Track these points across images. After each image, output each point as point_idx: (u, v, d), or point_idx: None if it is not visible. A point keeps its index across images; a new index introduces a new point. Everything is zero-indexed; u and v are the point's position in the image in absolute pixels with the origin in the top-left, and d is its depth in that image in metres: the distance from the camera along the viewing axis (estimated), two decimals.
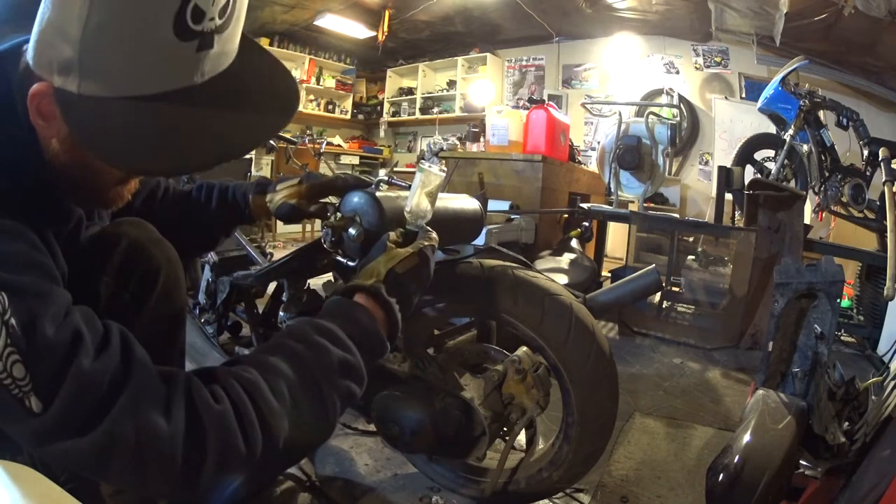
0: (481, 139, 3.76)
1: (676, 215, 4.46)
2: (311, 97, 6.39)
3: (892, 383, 1.07)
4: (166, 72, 0.53)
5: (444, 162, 2.99)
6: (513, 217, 2.67)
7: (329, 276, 1.40)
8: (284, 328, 0.76)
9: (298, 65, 6.12)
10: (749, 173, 3.08)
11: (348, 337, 0.65)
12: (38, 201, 0.62)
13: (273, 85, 0.64)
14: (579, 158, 3.78)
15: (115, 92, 0.52)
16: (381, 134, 7.00)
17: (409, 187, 0.97)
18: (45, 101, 0.54)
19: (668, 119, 3.24)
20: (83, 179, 0.62)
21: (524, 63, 5.90)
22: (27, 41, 0.56)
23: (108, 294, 0.74)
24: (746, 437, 0.92)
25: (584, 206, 2.98)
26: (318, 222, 0.98)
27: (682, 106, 4.78)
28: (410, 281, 0.74)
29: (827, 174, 2.95)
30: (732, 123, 4.72)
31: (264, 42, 5.63)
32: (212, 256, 1.53)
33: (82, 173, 0.61)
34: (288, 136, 2.16)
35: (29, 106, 0.55)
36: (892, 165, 2.29)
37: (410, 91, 6.67)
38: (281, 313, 1.23)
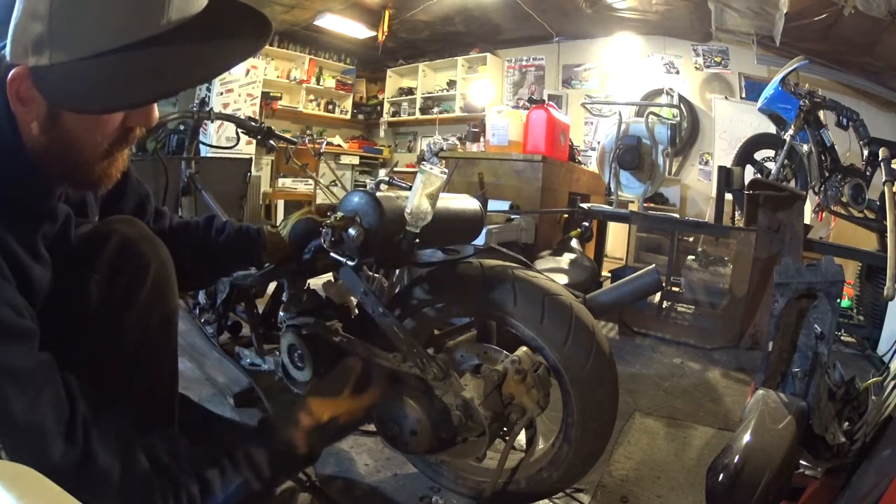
0: (481, 139, 3.76)
1: (676, 215, 4.46)
2: (311, 97, 6.39)
3: (892, 383, 1.07)
4: (131, 24, 0.57)
5: (444, 162, 2.99)
6: (513, 217, 2.67)
7: (329, 276, 1.40)
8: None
9: (298, 65, 6.12)
10: (749, 173, 3.08)
11: (269, 465, 0.77)
12: (22, 203, 0.63)
13: (246, 21, 0.68)
14: (579, 158, 3.78)
15: (84, 52, 0.56)
16: (381, 134, 7.00)
17: (409, 188, 0.97)
18: (23, 85, 0.58)
19: (668, 119, 3.23)
20: (67, 157, 0.64)
21: (524, 63, 5.90)
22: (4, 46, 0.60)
23: (98, 291, 0.74)
24: (746, 437, 0.92)
25: (584, 206, 2.98)
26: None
27: (682, 106, 4.78)
28: (345, 431, 0.86)
29: (827, 174, 2.95)
30: (732, 123, 4.72)
31: None
32: None
33: (65, 151, 0.63)
34: (288, 136, 2.16)
35: (9, 94, 0.59)
36: (892, 165, 2.29)
37: (410, 91, 6.67)
38: (281, 313, 1.23)
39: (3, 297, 0.58)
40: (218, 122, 2.55)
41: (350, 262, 0.96)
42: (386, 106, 6.86)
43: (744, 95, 4.70)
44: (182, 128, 2.01)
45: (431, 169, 0.93)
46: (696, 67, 4.92)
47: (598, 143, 3.89)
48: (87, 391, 0.64)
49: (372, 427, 1.14)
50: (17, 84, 0.58)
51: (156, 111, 0.68)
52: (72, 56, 0.56)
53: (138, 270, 0.79)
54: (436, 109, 6.43)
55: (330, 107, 6.61)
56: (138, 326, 0.78)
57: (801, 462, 0.95)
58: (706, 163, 4.92)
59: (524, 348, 1.04)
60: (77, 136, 0.63)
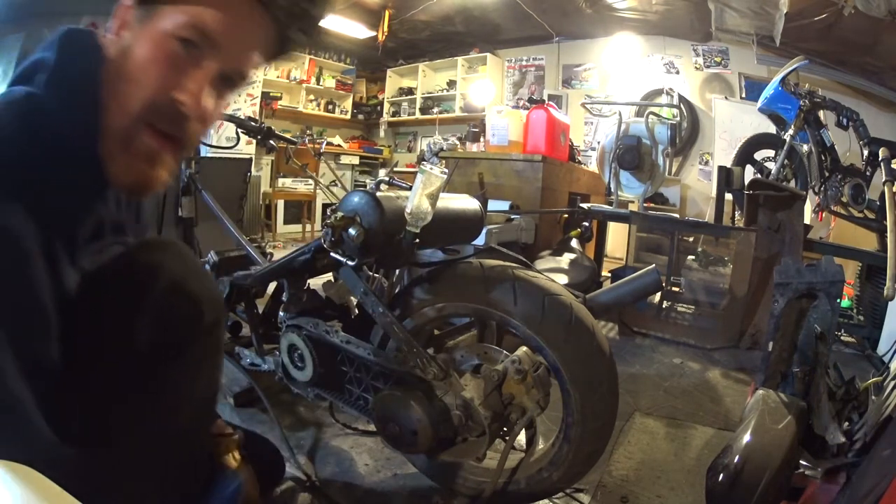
0: (481, 139, 3.76)
1: (676, 215, 4.45)
2: (311, 97, 6.39)
3: (892, 383, 1.07)
4: None
5: (444, 162, 2.99)
6: (513, 217, 2.67)
7: (329, 276, 1.41)
8: None
9: (298, 65, 6.11)
10: (749, 173, 3.08)
11: None
12: (69, 195, 0.61)
13: None
14: (579, 158, 3.77)
15: None
16: (381, 134, 7.00)
17: (409, 188, 0.97)
18: (124, 13, 0.61)
19: (668, 119, 3.23)
20: (112, 104, 0.60)
21: (524, 63, 5.89)
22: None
23: (143, 338, 0.65)
24: (746, 437, 0.92)
25: (584, 206, 2.98)
26: (318, 222, 0.97)
27: (682, 106, 4.78)
28: None
29: (827, 174, 2.94)
30: (732, 123, 4.72)
31: None
32: (212, 256, 1.53)
33: (114, 90, 0.60)
34: (288, 136, 2.16)
35: (112, 27, 0.61)
36: (892, 165, 2.29)
37: (410, 91, 6.67)
38: (281, 313, 1.23)
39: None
40: (218, 122, 2.55)
41: (350, 262, 0.97)
42: (386, 106, 6.86)
43: (744, 95, 4.70)
44: None
45: (431, 169, 0.93)
46: (696, 67, 4.92)
47: (598, 143, 3.89)
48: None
49: (372, 427, 1.14)
50: (122, 12, 0.61)
51: (195, 101, 0.60)
52: None
53: (190, 320, 0.70)
54: (436, 109, 6.42)
55: (330, 107, 6.61)
56: (186, 375, 0.71)
57: (801, 462, 0.95)
58: (706, 163, 4.91)
59: (524, 348, 1.04)
60: (134, 64, 0.59)
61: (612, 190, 3.30)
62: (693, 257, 3.16)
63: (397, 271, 1.59)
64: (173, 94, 0.59)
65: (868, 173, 2.89)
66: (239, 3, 0.61)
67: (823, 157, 2.94)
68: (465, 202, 1.16)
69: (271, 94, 5.73)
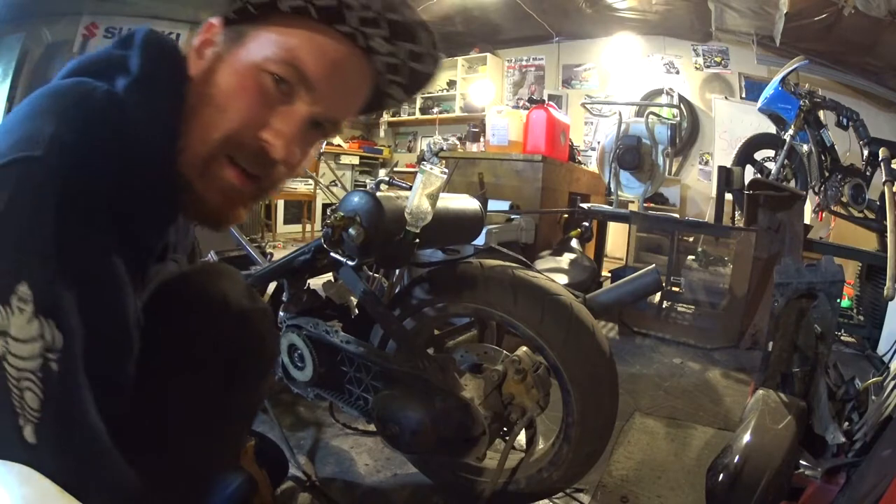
0: (481, 139, 3.75)
1: (676, 215, 4.45)
2: None
3: (892, 383, 1.07)
4: None
5: (444, 162, 2.99)
6: (513, 217, 2.67)
7: (329, 276, 1.41)
8: None
9: None
10: (749, 173, 3.08)
11: None
12: (146, 217, 0.55)
13: None
14: (579, 158, 3.77)
15: None
16: (381, 134, 7.00)
17: (409, 188, 0.97)
18: (211, 33, 0.57)
19: (668, 119, 3.23)
20: (194, 130, 0.55)
21: (524, 63, 5.89)
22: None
23: (210, 372, 0.65)
24: (746, 437, 0.92)
25: (584, 206, 2.98)
26: (318, 222, 0.96)
27: (682, 106, 4.78)
28: None
29: (827, 174, 2.94)
30: (732, 123, 4.72)
31: None
32: (212, 256, 1.53)
33: (202, 122, 0.55)
34: None
35: (194, 46, 0.57)
36: (892, 165, 2.29)
37: None
38: (281, 313, 1.23)
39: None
40: None
41: (350, 262, 0.96)
42: None
43: (744, 95, 4.70)
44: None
45: (431, 169, 0.93)
46: (696, 67, 4.92)
47: (598, 143, 3.89)
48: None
49: (372, 427, 1.14)
50: (206, 31, 0.57)
51: (284, 142, 0.55)
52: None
53: (256, 358, 0.71)
54: (436, 109, 6.42)
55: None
56: (239, 401, 0.72)
57: (801, 462, 0.95)
58: (706, 163, 4.91)
59: (524, 348, 1.04)
60: (219, 92, 0.55)
61: (612, 190, 3.30)
62: (693, 257, 3.16)
63: (397, 271, 1.59)
64: (260, 132, 0.54)
65: (868, 173, 2.90)
66: (340, 46, 0.56)
67: (823, 157, 2.94)
68: (465, 202, 1.16)
69: None
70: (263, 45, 0.54)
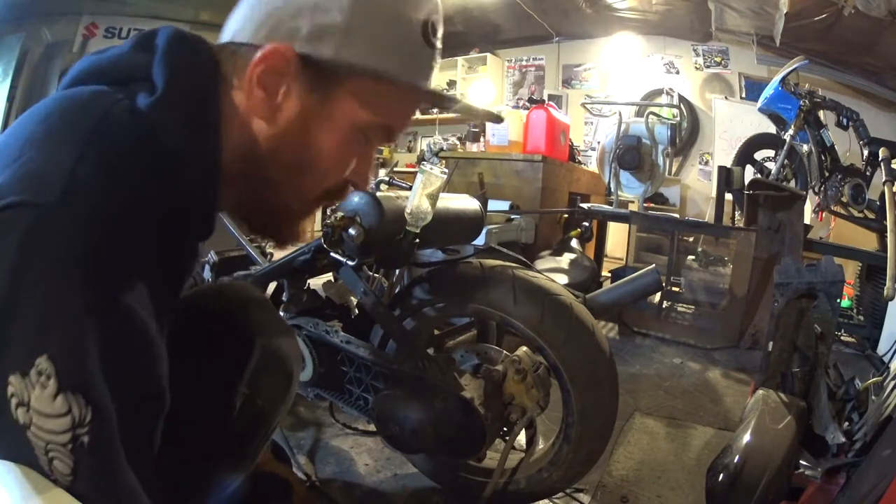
0: (481, 139, 3.76)
1: (676, 215, 4.45)
2: None
3: (892, 383, 1.07)
4: (414, 66, 0.53)
5: (444, 162, 2.99)
6: (513, 217, 2.67)
7: (329, 276, 1.41)
8: None
9: None
10: (749, 173, 3.08)
11: None
12: (179, 240, 0.50)
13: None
14: (579, 158, 3.77)
15: (373, 63, 0.50)
16: None
17: (409, 188, 0.97)
18: (282, 65, 0.48)
19: (668, 119, 3.23)
20: (284, 180, 0.53)
21: (524, 63, 5.89)
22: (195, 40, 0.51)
23: (242, 403, 0.66)
24: (746, 437, 0.92)
25: (584, 206, 2.98)
26: (318, 222, 0.96)
27: (682, 106, 4.77)
28: None
29: (827, 174, 2.94)
30: (732, 123, 4.71)
31: None
32: (212, 256, 1.53)
33: (289, 170, 0.53)
34: None
35: (250, 75, 0.49)
36: (892, 165, 2.29)
37: None
38: (281, 313, 1.23)
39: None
40: None
41: (350, 262, 0.97)
42: None
43: (744, 95, 4.70)
44: None
45: (431, 169, 0.93)
46: (696, 67, 4.91)
47: (598, 143, 3.89)
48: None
49: (372, 427, 1.14)
50: (275, 61, 0.48)
51: (370, 177, 0.59)
52: (361, 60, 0.49)
53: (284, 387, 0.73)
54: (436, 109, 6.42)
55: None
56: (266, 431, 0.73)
57: (801, 462, 0.95)
58: (706, 163, 4.91)
59: (524, 348, 1.04)
60: (320, 154, 0.52)
61: (612, 190, 3.30)
62: (693, 257, 3.16)
63: (397, 271, 1.58)
64: (345, 175, 0.56)
65: (868, 173, 2.90)
66: (416, 102, 0.58)
67: (823, 157, 2.94)
68: (465, 202, 1.16)
69: None
70: (362, 111, 0.52)
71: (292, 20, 0.48)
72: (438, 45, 0.54)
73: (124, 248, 0.40)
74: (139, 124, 0.44)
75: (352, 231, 0.92)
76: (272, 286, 1.48)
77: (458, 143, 4.02)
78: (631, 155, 3.12)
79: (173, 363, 0.48)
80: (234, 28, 0.51)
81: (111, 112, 0.43)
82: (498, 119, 0.68)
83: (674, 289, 2.90)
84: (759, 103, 3.07)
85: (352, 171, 0.56)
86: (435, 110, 6.33)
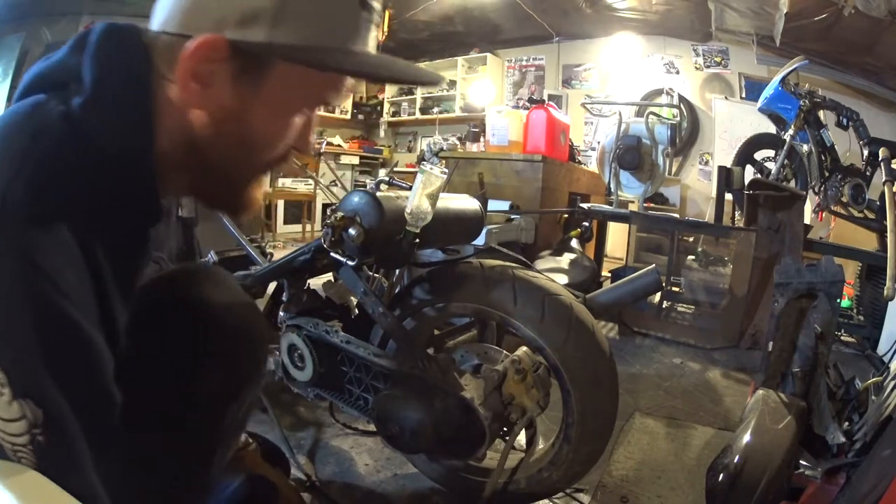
0: (481, 139, 3.76)
1: (676, 215, 4.45)
2: None
3: (892, 383, 1.07)
4: (349, 33, 0.53)
5: (444, 162, 2.99)
6: (513, 217, 2.67)
7: (329, 276, 1.41)
8: None
9: None
10: (749, 173, 3.08)
11: None
12: (128, 224, 0.53)
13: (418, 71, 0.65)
14: (579, 158, 3.78)
15: (307, 40, 0.50)
16: (381, 134, 7.00)
17: (409, 188, 0.97)
18: (216, 54, 0.48)
19: (668, 119, 3.23)
20: (230, 162, 0.56)
21: (524, 63, 5.90)
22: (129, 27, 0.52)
23: (203, 383, 0.64)
24: (746, 437, 0.92)
25: (584, 206, 2.98)
26: (318, 222, 0.94)
27: (682, 106, 4.78)
28: None
29: (827, 174, 2.94)
30: (732, 123, 4.72)
31: None
32: (212, 256, 1.53)
33: (232, 152, 0.55)
34: None
35: (182, 68, 0.49)
36: (892, 165, 2.29)
37: (410, 91, 6.66)
38: (281, 313, 1.23)
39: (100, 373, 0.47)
40: None
41: (350, 262, 0.97)
42: (386, 106, 6.86)
43: (744, 95, 4.70)
44: None
45: (431, 169, 0.93)
46: (696, 67, 4.92)
47: (598, 143, 3.89)
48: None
49: (372, 427, 1.14)
50: (207, 52, 0.48)
51: (312, 139, 0.61)
52: (294, 40, 0.49)
53: (253, 368, 0.71)
54: (436, 109, 6.42)
55: (330, 107, 6.61)
56: (233, 416, 0.71)
57: (801, 462, 0.95)
58: (706, 163, 4.92)
59: (524, 348, 1.04)
60: (260, 136, 0.55)
61: (612, 190, 3.30)
62: (693, 257, 3.16)
63: (397, 271, 1.58)
64: (288, 144, 0.59)
65: (868, 173, 2.90)
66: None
67: (823, 157, 2.94)
68: (465, 202, 1.16)
69: None
70: (296, 88, 0.54)
71: (221, 7, 0.48)
72: (375, 4, 0.54)
73: (59, 262, 0.43)
74: (72, 130, 0.47)
75: (352, 231, 0.92)
76: (272, 286, 1.49)
77: (458, 143, 4.02)
78: (631, 155, 3.12)
79: (131, 348, 0.53)
80: (163, 17, 0.51)
81: (45, 123, 0.46)
82: (434, 81, 0.68)
83: (674, 289, 2.90)
84: (759, 103, 3.07)
85: (297, 140, 0.59)
86: (435, 110, 6.36)
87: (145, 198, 0.53)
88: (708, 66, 4.86)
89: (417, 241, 0.95)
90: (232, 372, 0.69)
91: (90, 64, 0.49)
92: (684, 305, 2.91)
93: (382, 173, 5.36)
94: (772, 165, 3.08)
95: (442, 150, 3.12)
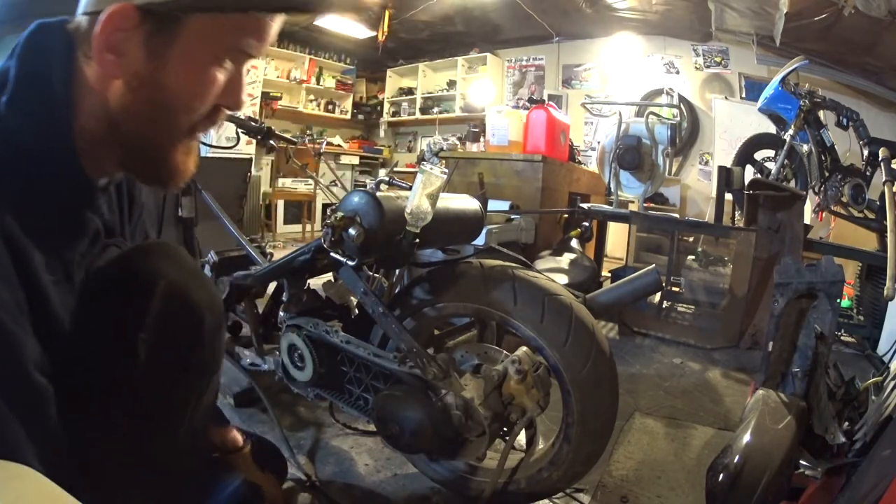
0: (481, 139, 3.76)
1: (676, 215, 4.45)
2: (311, 97, 6.39)
3: (892, 383, 1.07)
4: None
5: (444, 162, 2.99)
6: (513, 217, 2.67)
7: (329, 276, 1.41)
8: None
9: (298, 65, 6.11)
10: (749, 173, 3.08)
11: None
12: (55, 207, 0.55)
13: None
14: (579, 158, 3.77)
15: None
16: (381, 134, 7.00)
17: (409, 188, 0.97)
18: (125, 23, 0.50)
19: (668, 119, 3.23)
20: (152, 126, 0.56)
21: (524, 63, 5.90)
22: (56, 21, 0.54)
23: (147, 353, 0.62)
24: (746, 437, 0.92)
25: (584, 206, 2.98)
26: (318, 222, 0.93)
27: (682, 106, 4.78)
28: None
29: (827, 174, 2.94)
30: (732, 123, 4.72)
31: None
32: (212, 256, 1.53)
33: (154, 115, 0.55)
34: (288, 136, 2.16)
35: (96, 42, 0.50)
36: (892, 165, 2.29)
37: (410, 91, 6.67)
38: (281, 313, 1.23)
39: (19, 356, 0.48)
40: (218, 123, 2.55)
41: (350, 262, 0.97)
42: (386, 106, 6.86)
43: (744, 95, 4.70)
44: None
45: (431, 169, 0.93)
46: (696, 67, 4.92)
47: (598, 143, 3.89)
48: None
49: (372, 427, 1.14)
50: (117, 22, 0.50)
51: (243, 96, 0.61)
52: None
53: (192, 329, 0.68)
54: (436, 109, 6.42)
55: (330, 107, 6.61)
56: (187, 390, 0.70)
57: (801, 462, 0.95)
58: (706, 163, 4.92)
59: (524, 348, 1.04)
60: (175, 95, 0.54)
61: (612, 190, 3.30)
62: (693, 257, 3.16)
63: (397, 271, 1.59)
64: (216, 101, 0.59)
65: (868, 173, 2.90)
66: (273, 14, 0.58)
67: (823, 157, 2.94)
68: (465, 202, 1.16)
69: (271, 95, 5.73)
70: (209, 39, 0.54)
71: None
72: None
73: None
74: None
75: (352, 231, 0.92)
76: (272, 286, 1.49)
77: (458, 143, 4.01)
78: (631, 155, 3.12)
79: (80, 326, 0.55)
80: (84, 1, 0.53)
81: None
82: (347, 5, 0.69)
83: (674, 289, 2.90)
84: (759, 103, 3.07)
85: (221, 95, 0.58)
86: (435, 110, 6.35)
87: (70, 180, 0.55)
88: (708, 66, 4.86)
89: (417, 241, 0.95)
90: (179, 342, 0.67)
91: (14, 63, 0.53)
92: (684, 305, 2.91)
93: (382, 173, 5.36)
94: (772, 165, 3.08)
95: (442, 150, 3.11)
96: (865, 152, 2.90)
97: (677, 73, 5.00)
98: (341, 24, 5.47)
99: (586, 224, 2.94)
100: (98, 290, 0.62)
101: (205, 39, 0.54)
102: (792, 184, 3.03)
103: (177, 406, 0.69)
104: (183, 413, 0.70)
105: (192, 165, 0.62)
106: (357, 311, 1.28)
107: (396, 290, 1.35)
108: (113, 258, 0.67)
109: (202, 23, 0.52)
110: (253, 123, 1.84)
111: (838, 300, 1.13)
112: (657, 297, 2.62)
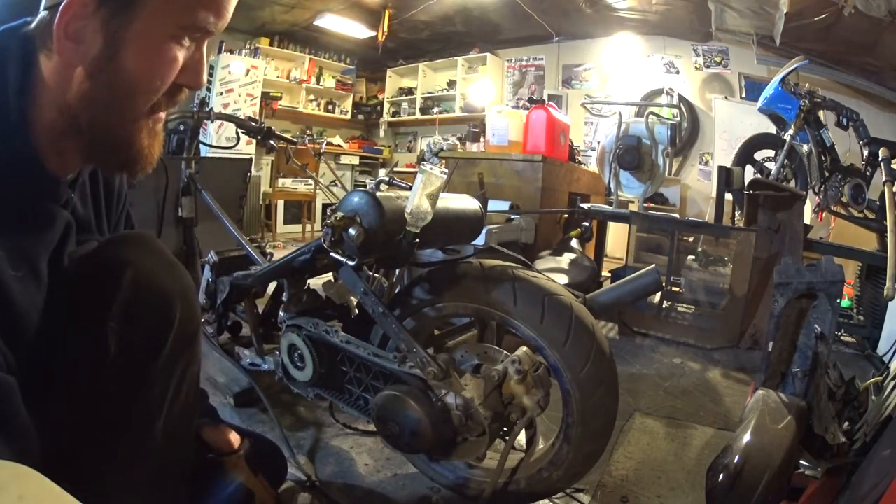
0: (481, 139, 3.76)
1: (676, 215, 4.45)
2: (311, 97, 6.39)
3: (892, 383, 1.07)
4: None
5: (444, 162, 2.99)
6: (513, 217, 2.67)
7: (329, 276, 1.41)
8: None
9: (298, 65, 6.11)
10: (749, 173, 3.08)
11: None
12: (17, 200, 0.55)
13: None
14: (579, 158, 3.77)
15: None
16: (381, 134, 7.00)
17: (409, 188, 0.97)
18: (79, 11, 0.51)
19: (668, 119, 3.23)
20: (112, 110, 0.56)
21: (524, 63, 5.90)
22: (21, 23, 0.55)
23: (116, 342, 0.62)
24: (746, 437, 0.92)
25: (584, 206, 2.98)
26: (318, 222, 0.93)
27: (682, 106, 4.78)
28: None
29: (827, 174, 2.94)
30: (732, 123, 4.72)
31: (264, 42, 5.63)
32: (212, 256, 1.53)
33: (113, 98, 0.56)
34: (288, 136, 2.16)
35: (56, 32, 0.52)
36: (892, 165, 2.29)
37: (410, 91, 6.67)
38: (281, 313, 1.23)
39: None
40: (218, 122, 2.55)
41: (350, 262, 0.97)
42: (386, 106, 6.86)
43: (744, 95, 4.70)
44: (182, 128, 2.02)
45: (431, 169, 0.93)
46: (696, 67, 4.92)
47: (598, 143, 3.89)
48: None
49: (372, 427, 1.14)
50: (75, 10, 0.51)
51: (204, 75, 0.62)
52: None
53: (161, 316, 0.67)
54: (436, 109, 6.43)
55: (330, 107, 6.61)
56: (163, 376, 0.69)
57: (801, 462, 0.95)
58: (706, 163, 4.92)
59: (524, 348, 1.04)
60: (133, 76, 0.55)
61: (612, 190, 3.30)
62: (693, 257, 3.16)
63: (397, 271, 1.59)
64: (177, 80, 0.59)
65: (868, 173, 2.89)
66: None
67: (823, 157, 2.94)
68: (465, 202, 1.16)
69: (271, 95, 5.73)
70: (166, 16, 0.54)
71: None
72: None
73: None
74: None
75: (352, 231, 0.92)
76: (272, 286, 1.49)
77: (458, 143, 4.01)
78: (631, 155, 3.12)
79: (48, 320, 0.56)
80: None
81: None
82: None
83: (674, 289, 2.90)
84: (759, 103, 3.07)
85: (181, 74, 0.58)
86: (435, 110, 6.35)
87: (29, 176, 0.56)
88: (708, 66, 4.86)
89: (417, 241, 0.95)
90: (148, 330, 0.66)
91: None
92: (684, 305, 2.91)
93: (382, 173, 5.36)
94: (772, 165, 3.08)
95: (442, 150, 3.11)
96: (865, 152, 2.90)
97: (677, 73, 5.00)
98: (341, 25, 5.47)
99: (586, 224, 2.94)
100: (69, 281, 0.62)
101: (161, 17, 0.54)
102: (792, 184, 3.03)
103: (150, 397, 0.68)
104: (159, 405, 0.69)
105: (157, 149, 0.62)
106: (357, 311, 1.28)
107: (396, 290, 1.35)
108: (87, 250, 0.67)
109: (158, 2, 0.53)
110: (253, 123, 1.84)
111: (838, 300, 1.13)
112: (657, 297, 2.62)
